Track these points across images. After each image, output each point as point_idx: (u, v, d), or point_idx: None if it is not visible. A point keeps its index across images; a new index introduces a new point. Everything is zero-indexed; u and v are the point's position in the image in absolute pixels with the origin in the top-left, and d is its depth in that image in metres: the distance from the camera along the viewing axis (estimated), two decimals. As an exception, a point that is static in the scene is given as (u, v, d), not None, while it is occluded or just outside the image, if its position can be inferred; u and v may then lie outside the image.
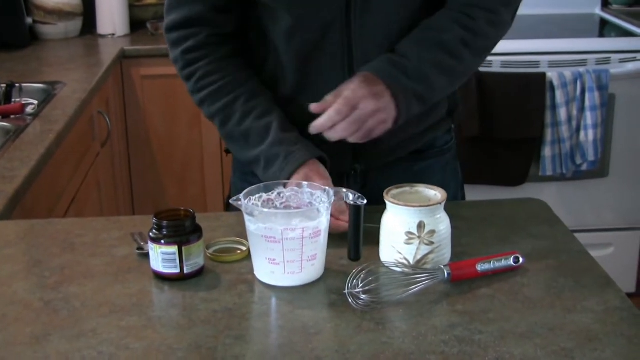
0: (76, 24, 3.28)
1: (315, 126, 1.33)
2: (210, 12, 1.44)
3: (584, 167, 3.01)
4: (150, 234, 1.22)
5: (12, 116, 2.15)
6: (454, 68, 1.43)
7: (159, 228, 1.21)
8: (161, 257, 1.21)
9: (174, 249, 1.20)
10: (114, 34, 3.28)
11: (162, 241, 1.21)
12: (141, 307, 1.15)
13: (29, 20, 3.16)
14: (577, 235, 1.38)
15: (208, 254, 1.28)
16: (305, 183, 1.25)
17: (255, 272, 1.22)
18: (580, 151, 2.98)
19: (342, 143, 1.38)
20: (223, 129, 1.46)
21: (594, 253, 1.31)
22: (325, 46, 1.44)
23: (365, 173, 1.53)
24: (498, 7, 1.44)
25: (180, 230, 1.21)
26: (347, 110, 1.32)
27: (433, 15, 1.44)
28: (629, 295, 3.19)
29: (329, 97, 1.34)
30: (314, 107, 1.34)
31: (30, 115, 2.17)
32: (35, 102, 2.32)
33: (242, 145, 1.44)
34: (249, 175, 1.53)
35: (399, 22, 1.43)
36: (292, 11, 1.41)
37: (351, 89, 1.34)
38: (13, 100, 2.31)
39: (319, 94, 1.38)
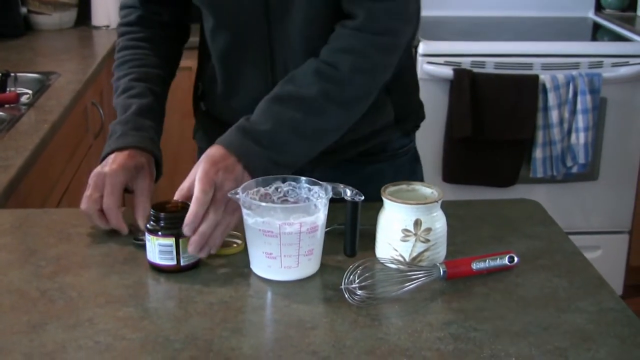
0: (71, 15, 3.28)
1: (188, 224, 1.20)
2: (145, 4, 1.55)
3: (575, 169, 3.03)
4: (148, 225, 1.22)
5: (7, 105, 2.15)
6: (317, 128, 1.34)
7: (157, 220, 1.22)
8: (158, 249, 1.21)
9: (171, 240, 1.21)
10: (108, 26, 3.27)
11: (160, 233, 1.21)
12: (138, 298, 1.16)
13: (24, 10, 3.15)
14: (565, 237, 1.39)
15: (204, 247, 1.29)
16: (303, 178, 1.25)
17: (252, 266, 1.23)
18: (571, 154, 2.99)
19: None
20: (114, 97, 1.51)
21: (581, 255, 1.33)
22: (247, 48, 1.44)
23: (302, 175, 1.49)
24: (368, 50, 1.34)
25: (178, 222, 1.21)
26: (211, 189, 1.22)
27: (300, 67, 1.36)
28: (616, 298, 3.22)
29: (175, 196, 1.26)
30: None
31: (25, 104, 2.17)
32: (30, 92, 2.31)
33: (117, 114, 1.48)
34: None
35: (319, 24, 1.39)
36: (213, 11, 1.44)
37: (201, 172, 1.23)
38: (8, 89, 2.30)
39: (245, 97, 1.41)
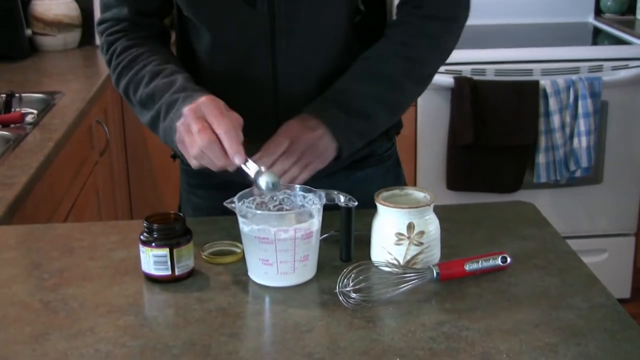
0: (75, 35, 3.32)
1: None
2: (135, 16, 1.49)
3: (578, 173, 3.05)
4: (141, 237, 1.25)
5: (12, 125, 2.19)
6: (396, 101, 1.44)
7: (150, 231, 1.24)
8: (153, 260, 1.24)
9: (165, 251, 1.23)
10: (112, 45, 3.31)
11: (153, 244, 1.23)
12: (138, 307, 1.18)
13: (29, 32, 3.20)
14: (571, 241, 1.41)
15: (203, 256, 1.31)
16: (297, 186, 1.28)
17: (249, 273, 1.25)
18: (574, 158, 3.01)
19: None
20: (134, 97, 1.42)
21: (588, 259, 1.34)
22: (249, 69, 1.44)
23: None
24: (438, 34, 1.45)
25: (171, 233, 1.24)
26: (286, 143, 1.31)
27: (373, 46, 1.44)
28: (624, 300, 3.24)
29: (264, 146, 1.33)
30: (254, 158, 1.28)
31: (29, 124, 2.21)
32: (35, 111, 2.35)
33: (149, 106, 1.39)
34: (194, 187, 1.62)
35: (325, 45, 1.44)
36: (214, 30, 1.43)
37: (286, 127, 1.34)
38: (13, 109, 2.34)
39: (244, 117, 1.41)
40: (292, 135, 1.34)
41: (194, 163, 1.28)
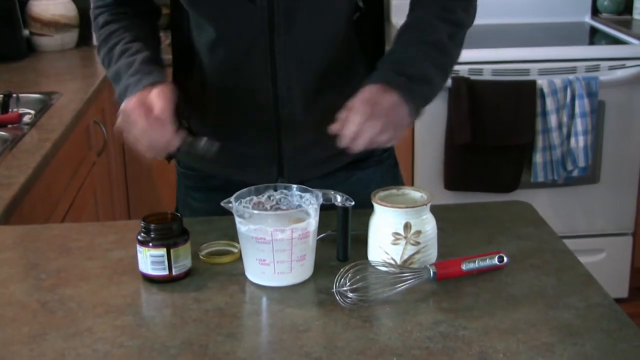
0: (72, 36, 3.32)
1: (346, 135, 1.31)
2: None
3: (575, 173, 3.05)
4: (139, 237, 1.25)
5: (10, 125, 2.19)
6: (447, 64, 1.48)
7: (147, 231, 1.24)
8: (150, 260, 1.24)
9: (162, 251, 1.23)
10: (109, 45, 3.30)
11: (151, 244, 1.24)
12: (135, 307, 1.18)
13: (26, 32, 3.19)
14: (568, 241, 1.41)
15: (201, 257, 1.31)
16: (294, 186, 1.28)
17: (246, 273, 1.25)
18: (571, 157, 3.01)
19: (265, 158, 1.44)
20: (108, 73, 1.48)
21: (585, 259, 1.34)
22: (248, 63, 1.45)
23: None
24: None
25: (168, 233, 1.24)
26: (369, 109, 1.32)
27: (415, 14, 1.47)
28: (622, 300, 3.24)
29: (342, 115, 1.34)
30: (334, 128, 1.33)
31: (27, 124, 2.20)
32: (32, 112, 2.35)
33: (117, 83, 1.44)
34: (191, 189, 1.63)
35: (323, 42, 1.45)
36: (215, 24, 1.43)
37: (362, 95, 1.35)
38: (10, 110, 2.34)
39: (242, 110, 1.42)
40: (371, 102, 1.33)
41: (163, 156, 1.41)
